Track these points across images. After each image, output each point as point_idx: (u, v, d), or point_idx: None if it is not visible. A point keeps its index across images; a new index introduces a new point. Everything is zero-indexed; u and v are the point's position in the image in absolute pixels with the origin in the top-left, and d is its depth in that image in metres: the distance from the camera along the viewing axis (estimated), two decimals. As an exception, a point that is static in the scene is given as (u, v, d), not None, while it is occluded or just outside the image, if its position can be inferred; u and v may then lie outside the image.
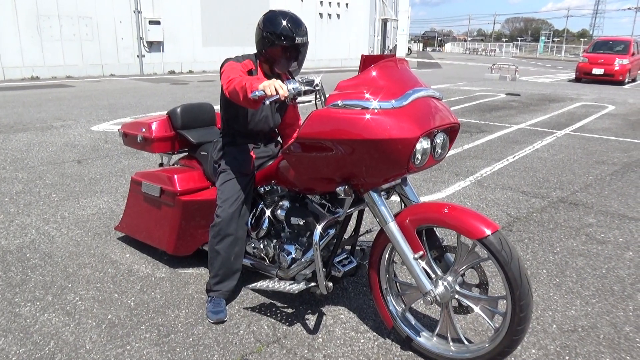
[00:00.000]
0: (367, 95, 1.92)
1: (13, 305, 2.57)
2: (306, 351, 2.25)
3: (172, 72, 17.67)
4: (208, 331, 2.39)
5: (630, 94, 14.20)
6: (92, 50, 15.59)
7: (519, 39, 69.40)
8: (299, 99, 2.15)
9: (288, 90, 2.05)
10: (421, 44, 72.38)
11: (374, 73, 1.98)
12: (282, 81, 2.09)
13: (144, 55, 16.87)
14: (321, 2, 22.55)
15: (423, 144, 1.95)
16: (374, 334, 2.40)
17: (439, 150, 2.07)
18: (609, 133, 7.90)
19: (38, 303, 2.60)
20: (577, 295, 2.80)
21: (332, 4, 23.13)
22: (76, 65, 15.32)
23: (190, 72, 18.14)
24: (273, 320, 2.49)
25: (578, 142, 7.16)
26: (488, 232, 1.90)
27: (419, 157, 1.97)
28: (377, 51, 26.94)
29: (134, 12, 16.23)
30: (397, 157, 1.91)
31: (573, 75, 19.44)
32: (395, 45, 30.73)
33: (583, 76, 18.07)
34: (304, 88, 2.13)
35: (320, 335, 2.37)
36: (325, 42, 22.63)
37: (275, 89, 2.01)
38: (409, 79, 2.04)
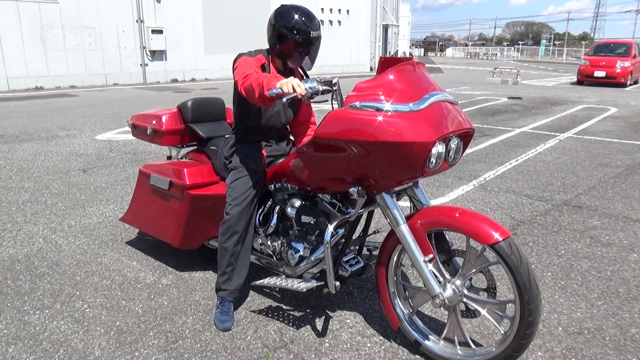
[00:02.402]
0: (384, 98, 1.93)
1: (22, 313, 2.59)
2: (313, 356, 2.26)
3: (174, 80, 17.77)
4: (215, 337, 2.40)
5: (633, 96, 14.19)
6: (95, 59, 15.70)
7: (520, 42, 69.47)
8: (316, 98, 2.14)
9: (305, 89, 2.02)
10: (422, 49, 72.56)
11: (391, 76, 1.98)
12: (300, 79, 2.08)
13: (146, 64, 16.98)
14: (322, 9, 22.65)
15: (438, 148, 1.97)
16: (381, 338, 2.41)
17: (453, 155, 2.09)
18: (612, 135, 7.90)
19: (47, 311, 2.62)
20: (583, 298, 2.80)
21: (334, 10, 23.24)
22: (80, 75, 15.43)
23: (193, 80, 18.24)
24: (280, 325, 2.51)
25: (581, 144, 7.17)
26: (500, 237, 1.90)
27: (434, 161, 1.98)
28: (377, 57, 27.01)
29: (137, 21, 16.35)
30: (413, 160, 1.92)
31: (575, 78, 19.45)
32: (397, 50, 30.81)
33: (585, 79, 18.08)
34: (321, 88, 2.10)
35: (327, 340, 2.39)
36: (326, 48, 22.58)
37: (293, 88, 1.99)
38: (426, 82, 2.05)
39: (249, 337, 2.41)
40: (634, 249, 3.47)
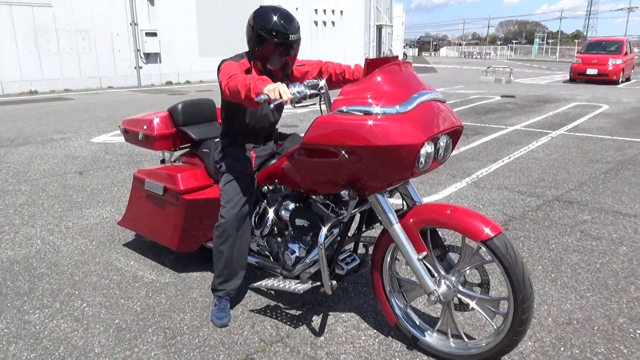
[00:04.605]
0: (371, 101, 1.94)
1: (22, 313, 2.63)
2: (309, 349, 2.32)
3: (169, 83, 17.78)
4: (213, 332, 2.45)
5: (624, 93, 14.32)
6: (89, 63, 15.68)
7: (514, 41, 69.81)
8: (303, 102, 2.13)
9: (292, 94, 2.01)
10: (416, 49, 72.69)
11: (378, 78, 1.99)
12: (280, 81, 2.08)
13: (141, 67, 16.98)
14: (316, 10, 22.72)
15: (427, 148, 1.98)
16: (375, 331, 2.46)
17: (442, 153, 2.11)
18: (603, 132, 7.99)
19: (46, 310, 2.66)
20: (572, 290, 2.87)
21: (327, 11, 23.30)
22: (74, 79, 15.41)
23: (188, 82, 18.25)
24: (276, 320, 2.56)
25: (572, 141, 7.25)
26: (491, 234, 1.93)
27: (423, 161, 2.00)
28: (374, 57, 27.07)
29: (131, 24, 16.35)
30: (401, 162, 1.94)
31: (567, 76, 19.59)
32: (391, 50, 30.89)
33: (577, 77, 18.21)
34: (309, 92, 2.10)
35: (322, 334, 2.44)
36: (321, 49, 22.76)
37: (280, 94, 1.98)
38: (413, 82, 2.06)
39: (246, 332, 2.46)
40: (623, 242, 3.54)
